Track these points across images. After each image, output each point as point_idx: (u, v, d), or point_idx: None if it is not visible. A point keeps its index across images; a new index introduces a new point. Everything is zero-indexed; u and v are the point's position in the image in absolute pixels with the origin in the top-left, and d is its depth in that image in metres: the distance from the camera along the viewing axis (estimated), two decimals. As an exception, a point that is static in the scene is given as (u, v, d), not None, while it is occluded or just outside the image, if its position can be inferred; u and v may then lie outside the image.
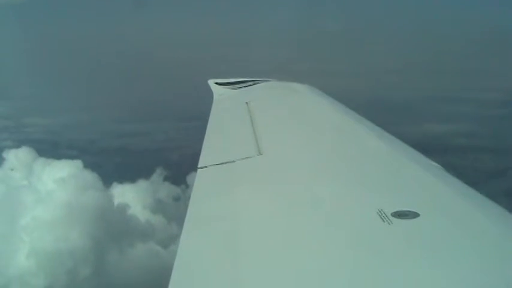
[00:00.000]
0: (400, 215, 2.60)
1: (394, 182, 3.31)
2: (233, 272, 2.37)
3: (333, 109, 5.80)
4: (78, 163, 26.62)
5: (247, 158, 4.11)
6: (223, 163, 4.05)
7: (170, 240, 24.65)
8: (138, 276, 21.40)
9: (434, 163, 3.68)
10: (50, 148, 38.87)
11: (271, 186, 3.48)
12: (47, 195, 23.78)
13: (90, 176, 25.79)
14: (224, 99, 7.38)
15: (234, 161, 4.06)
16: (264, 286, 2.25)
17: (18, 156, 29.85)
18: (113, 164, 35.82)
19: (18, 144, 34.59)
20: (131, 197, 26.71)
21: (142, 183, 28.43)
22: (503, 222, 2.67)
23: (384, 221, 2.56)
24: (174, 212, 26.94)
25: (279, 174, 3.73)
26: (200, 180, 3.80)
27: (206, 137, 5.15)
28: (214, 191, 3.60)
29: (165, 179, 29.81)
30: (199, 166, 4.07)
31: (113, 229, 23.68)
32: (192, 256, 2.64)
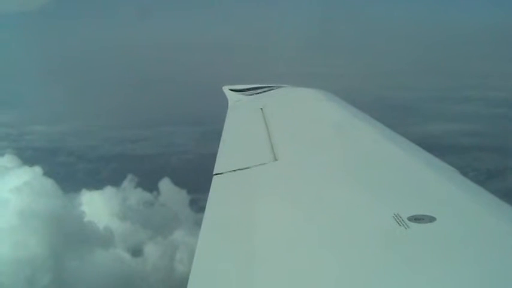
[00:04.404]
0: (417, 219, 2.59)
1: (410, 186, 3.31)
2: (250, 278, 2.37)
3: (348, 114, 5.80)
4: (38, 170, 26.81)
5: (263, 164, 4.12)
6: (238, 169, 4.06)
7: (138, 247, 24.48)
8: (103, 283, 21.36)
9: (450, 167, 3.67)
10: (48, 156, 39.17)
11: (286, 192, 3.49)
12: (3, 203, 23.76)
13: (49, 183, 25.99)
14: (239, 105, 7.41)
15: (249, 167, 4.06)
16: None
17: (3, 165, 29.88)
18: (104, 170, 35.87)
19: (17, 152, 34.86)
20: (99, 203, 26.76)
21: (111, 190, 28.52)
22: None
23: (400, 225, 2.56)
24: (144, 219, 26.80)
25: (295, 180, 3.74)
26: (216, 186, 3.80)
27: (221, 143, 5.17)
28: (230, 198, 3.61)
29: (137, 185, 29.81)
30: (214, 172, 4.08)
31: (72, 236, 23.68)
32: (208, 263, 2.65)
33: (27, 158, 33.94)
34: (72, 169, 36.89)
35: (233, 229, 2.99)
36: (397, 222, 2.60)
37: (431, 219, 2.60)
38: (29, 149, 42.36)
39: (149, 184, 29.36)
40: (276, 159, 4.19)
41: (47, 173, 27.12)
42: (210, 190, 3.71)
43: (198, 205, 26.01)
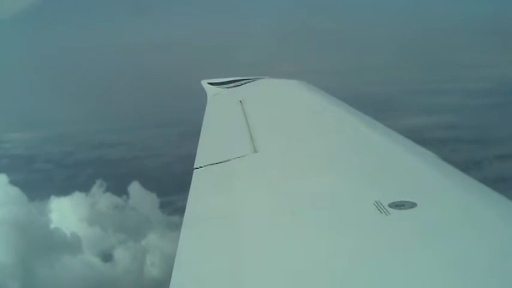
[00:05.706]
0: (397, 205, 2.59)
1: (390, 172, 3.30)
2: (233, 271, 2.35)
3: (326, 103, 5.81)
4: (3, 178, 26.55)
5: (243, 156, 4.11)
6: (218, 162, 4.04)
7: (109, 252, 24.43)
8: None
9: (430, 152, 3.67)
10: (24, 163, 39.02)
11: (267, 183, 3.48)
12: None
13: (13, 191, 25.79)
14: (218, 98, 7.40)
15: (229, 160, 4.05)
16: (265, 283, 2.23)
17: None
18: (80, 176, 35.61)
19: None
20: (68, 210, 26.56)
21: (80, 196, 28.23)
22: (502, 209, 2.65)
23: (381, 212, 2.55)
24: (114, 223, 26.68)
25: (275, 171, 3.73)
26: (196, 180, 3.78)
27: (201, 137, 5.16)
28: (210, 191, 3.59)
29: (107, 189, 29.41)
30: (195, 166, 4.06)
31: (38, 243, 23.64)
32: (191, 256, 2.62)
33: (3, 166, 33.67)
34: (46, 175, 36.50)
35: (215, 222, 2.97)
36: (378, 209, 2.59)
37: (412, 205, 2.59)
38: (5, 157, 42.04)
39: (119, 188, 29.15)
40: (256, 151, 4.18)
41: (16, 181, 26.95)
42: (191, 184, 3.69)
43: (169, 208, 26.07)
